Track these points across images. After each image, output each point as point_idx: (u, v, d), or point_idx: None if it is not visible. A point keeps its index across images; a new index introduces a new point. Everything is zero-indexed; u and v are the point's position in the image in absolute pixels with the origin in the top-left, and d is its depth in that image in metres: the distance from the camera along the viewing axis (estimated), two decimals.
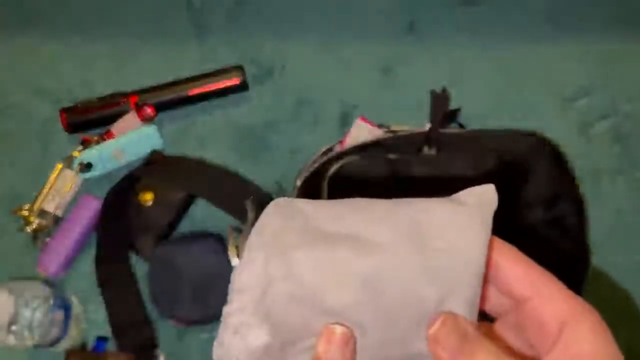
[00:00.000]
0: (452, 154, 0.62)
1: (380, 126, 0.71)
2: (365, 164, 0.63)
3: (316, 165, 0.64)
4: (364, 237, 0.24)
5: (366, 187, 0.61)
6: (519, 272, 0.26)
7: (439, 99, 0.65)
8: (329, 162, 0.64)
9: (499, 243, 0.26)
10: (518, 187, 0.62)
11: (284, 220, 0.25)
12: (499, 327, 0.28)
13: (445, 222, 0.25)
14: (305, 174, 0.65)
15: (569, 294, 0.25)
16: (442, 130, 0.64)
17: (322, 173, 0.63)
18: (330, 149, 0.69)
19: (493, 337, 0.28)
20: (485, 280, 0.26)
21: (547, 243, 0.60)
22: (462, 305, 0.24)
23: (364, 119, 0.71)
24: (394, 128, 0.70)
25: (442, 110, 0.65)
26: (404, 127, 0.70)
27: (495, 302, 0.27)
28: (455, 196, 0.26)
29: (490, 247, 0.26)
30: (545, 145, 0.63)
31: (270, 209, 0.26)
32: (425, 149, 0.63)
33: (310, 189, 0.64)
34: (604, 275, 0.68)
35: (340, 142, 0.70)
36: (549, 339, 0.24)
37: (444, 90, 0.67)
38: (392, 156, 0.63)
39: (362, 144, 0.65)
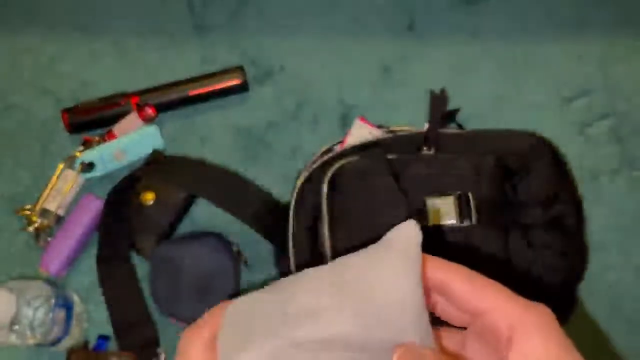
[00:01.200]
0: (451, 154, 0.63)
1: (379, 127, 0.71)
2: (364, 163, 0.63)
3: (315, 165, 0.65)
4: (316, 309, 0.25)
5: (365, 186, 0.61)
6: (467, 288, 0.27)
7: (437, 100, 0.66)
8: (329, 162, 0.64)
9: (443, 264, 0.28)
10: (516, 187, 0.62)
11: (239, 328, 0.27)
12: (470, 337, 0.29)
13: (378, 273, 0.26)
14: (305, 173, 0.65)
15: (517, 300, 0.27)
16: (440, 131, 0.65)
17: (322, 173, 0.64)
18: (330, 149, 0.69)
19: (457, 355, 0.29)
20: (445, 299, 0.28)
21: (546, 242, 0.61)
22: (415, 338, 0.25)
23: (364, 119, 0.72)
24: (393, 128, 0.70)
25: (440, 110, 0.65)
26: (403, 127, 0.70)
27: (458, 318, 0.29)
28: (382, 240, 0.28)
29: (437, 269, 0.28)
30: (544, 145, 0.63)
31: (226, 319, 0.29)
32: (424, 149, 0.64)
33: (310, 189, 0.64)
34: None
35: (340, 142, 0.70)
36: (506, 347, 0.26)
37: (442, 91, 0.67)
38: (391, 156, 0.63)
39: (362, 144, 0.65)
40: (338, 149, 0.67)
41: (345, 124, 0.76)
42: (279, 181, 0.74)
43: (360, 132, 0.71)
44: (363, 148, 0.65)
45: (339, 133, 0.76)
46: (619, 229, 0.71)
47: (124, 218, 0.71)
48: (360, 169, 0.63)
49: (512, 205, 0.61)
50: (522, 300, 0.27)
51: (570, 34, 0.79)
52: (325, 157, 0.65)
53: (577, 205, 0.63)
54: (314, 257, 0.62)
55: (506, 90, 0.77)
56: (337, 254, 0.60)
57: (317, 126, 0.77)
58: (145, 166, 0.72)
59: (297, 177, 0.66)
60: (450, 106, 0.71)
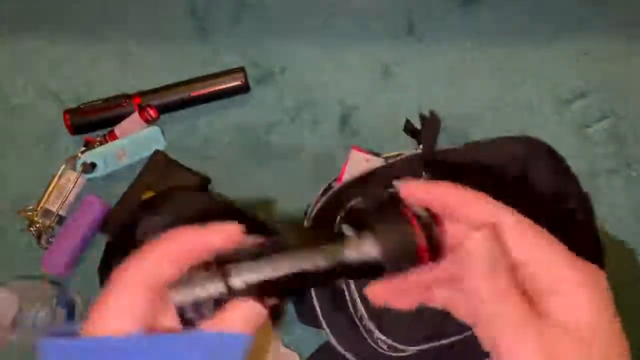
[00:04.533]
0: (452, 176, 0.62)
1: (374, 154, 0.69)
2: (369, 204, 0.61)
3: (318, 208, 0.63)
4: None
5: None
6: (517, 235, 0.26)
7: (430, 123, 0.66)
8: (334, 205, 0.62)
9: (501, 209, 0.27)
10: (522, 192, 0.62)
11: None
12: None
13: None
14: (311, 221, 0.63)
15: (571, 258, 0.25)
16: (436, 150, 0.64)
17: (329, 221, 0.61)
18: (329, 187, 0.66)
19: None
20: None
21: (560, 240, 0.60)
22: None
23: (358, 148, 0.70)
24: (385, 155, 0.69)
25: (434, 133, 0.65)
26: (392, 153, 0.68)
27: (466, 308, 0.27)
28: None
29: (480, 208, 0.27)
30: (539, 146, 0.64)
31: None
32: (424, 174, 0.62)
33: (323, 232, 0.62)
34: None
35: (337, 179, 0.68)
36: (546, 299, 0.24)
37: (432, 114, 0.68)
38: (392, 190, 0.62)
39: (361, 176, 0.63)
40: (336, 186, 0.65)
41: (345, 124, 0.77)
42: (280, 181, 0.74)
43: (356, 163, 0.68)
44: (363, 181, 0.63)
45: (339, 134, 0.76)
46: (616, 229, 0.72)
47: (134, 236, 0.71)
48: (368, 209, 0.61)
49: (520, 211, 0.61)
50: (578, 260, 0.25)
51: (568, 35, 0.80)
52: (326, 198, 0.63)
53: (584, 200, 0.63)
54: (338, 301, 0.61)
55: (504, 91, 0.78)
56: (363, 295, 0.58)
57: (318, 127, 0.77)
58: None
59: (305, 219, 0.64)
60: (448, 107, 0.72)
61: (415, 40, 0.80)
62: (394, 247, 0.29)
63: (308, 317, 0.65)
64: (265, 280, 0.28)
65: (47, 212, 0.73)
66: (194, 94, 0.76)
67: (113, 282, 0.27)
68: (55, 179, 0.74)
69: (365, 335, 0.60)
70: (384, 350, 0.59)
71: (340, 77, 0.79)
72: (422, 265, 0.29)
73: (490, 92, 0.78)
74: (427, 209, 0.30)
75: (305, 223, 0.64)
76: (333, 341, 0.61)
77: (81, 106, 0.77)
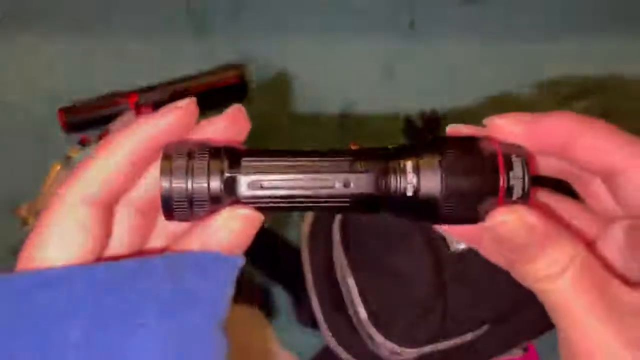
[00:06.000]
0: None
1: None
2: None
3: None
4: None
5: (377, 221, 0.59)
6: (615, 144, 0.23)
7: (430, 121, 0.66)
8: None
9: (592, 122, 0.24)
10: None
11: None
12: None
13: None
14: (311, 220, 0.63)
15: None
16: None
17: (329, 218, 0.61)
18: None
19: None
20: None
21: None
22: None
23: (356, 145, 0.71)
24: None
25: (435, 132, 0.66)
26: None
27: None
28: None
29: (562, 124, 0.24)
30: None
31: None
32: None
33: (322, 233, 0.62)
34: None
35: None
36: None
37: (433, 111, 0.67)
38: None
39: None
40: None
41: (345, 123, 0.76)
42: None
43: None
44: None
45: (340, 132, 0.76)
46: None
47: None
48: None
49: None
50: None
51: (570, 33, 0.80)
52: None
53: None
54: (337, 301, 0.60)
55: (505, 90, 0.78)
56: (364, 294, 0.58)
57: (318, 126, 0.77)
58: None
59: (304, 222, 0.64)
60: (448, 105, 0.71)
61: (416, 38, 0.80)
62: (462, 179, 0.22)
63: (306, 318, 0.65)
64: (283, 180, 0.23)
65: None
66: (192, 91, 0.76)
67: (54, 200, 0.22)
68: (50, 179, 0.73)
69: (366, 339, 0.59)
70: (386, 356, 0.58)
71: (341, 76, 0.78)
72: (493, 212, 0.22)
73: (491, 91, 0.78)
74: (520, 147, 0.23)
75: (305, 226, 0.63)
76: (333, 345, 0.61)
77: (76, 104, 0.76)
